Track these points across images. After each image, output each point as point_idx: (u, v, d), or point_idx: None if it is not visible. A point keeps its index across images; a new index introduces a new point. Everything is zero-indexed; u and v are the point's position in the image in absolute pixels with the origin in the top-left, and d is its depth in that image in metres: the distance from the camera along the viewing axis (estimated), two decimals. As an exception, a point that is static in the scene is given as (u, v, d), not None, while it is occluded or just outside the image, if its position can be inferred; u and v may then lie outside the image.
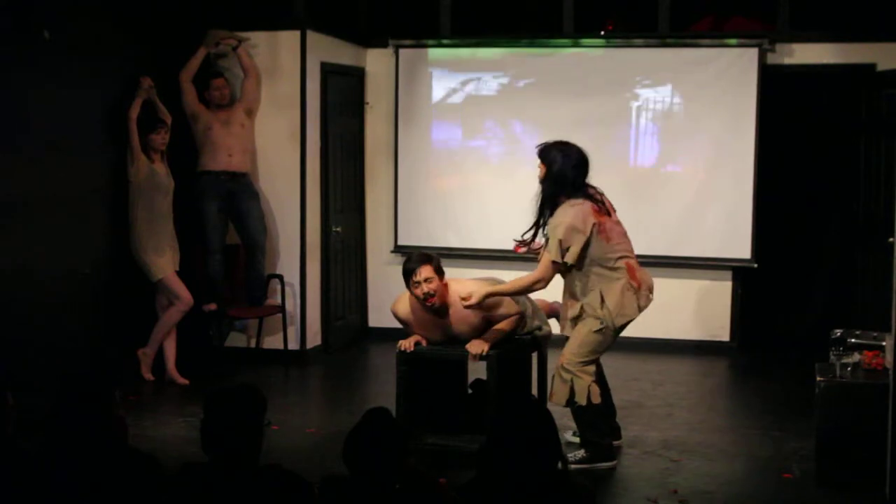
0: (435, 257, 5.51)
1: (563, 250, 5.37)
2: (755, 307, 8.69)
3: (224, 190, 7.59)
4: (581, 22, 8.59)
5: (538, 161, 5.55)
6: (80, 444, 3.17)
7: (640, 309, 5.53)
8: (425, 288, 5.38)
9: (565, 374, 5.47)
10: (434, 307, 5.44)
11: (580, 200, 5.43)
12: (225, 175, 7.58)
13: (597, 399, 5.48)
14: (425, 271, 5.37)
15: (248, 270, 7.80)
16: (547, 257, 5.41)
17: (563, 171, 5.43)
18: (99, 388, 3.27)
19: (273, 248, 7.99)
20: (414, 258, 5.47)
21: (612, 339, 5.54)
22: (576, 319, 5.53)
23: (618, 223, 5.56)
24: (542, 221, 5.54)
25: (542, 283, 5.45)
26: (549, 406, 5.79)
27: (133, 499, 3.15)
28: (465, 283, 5.64)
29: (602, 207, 5.49)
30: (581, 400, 5.44)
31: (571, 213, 5.39)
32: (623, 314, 5.46)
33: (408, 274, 5.43)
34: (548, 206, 5.50)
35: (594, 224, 5.40)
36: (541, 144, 5.58)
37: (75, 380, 3.28)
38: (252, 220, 7.72)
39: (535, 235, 5.65)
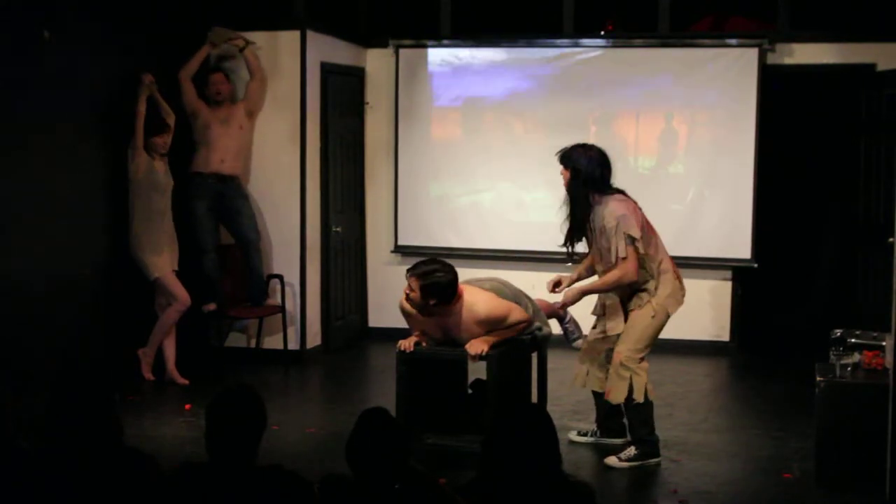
0: (431, 282, 5.30)
1: (641, 235, 5.39)
2: (755, 307, 8.69)
3: (212, 191, 7.60)
4: (581, 22, 8.60)
5: (560, 168, 5.53)
6: (80, 444, 3.16)
7: (683, 300, 5.61)
8: (407, 291, 5.41)
9: (624, 372, 5.48)
10: (413, 304, 5.46)
11: (622, 196, 5.47)
12: (213, 178, 7.59)
13: (652, 396, 5.54)
14: (412, 282, 5.36)
15: (246, 271, 7.80)
16: (629, 252, 5.36)
17: (591, 172, 5.44)
18: (98, 388, 3.27)
19: (273, 249, 7.99)
20: (418, 270, 5.35)
21: (663, 325, 5.56)
22: (624, 312, 5.56)
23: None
24: (576, 225, 5.51)
25: (630, 274, 5.40)
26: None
27: (133, 499, 3.15)
28: (478, 295, 5.54)
29: (639, 208, 5.55)
30: (639, 397, 5.47)
31: (623, 206, 5.41)
32: (675, 302, 5.52)
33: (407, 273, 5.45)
34: (580, 208, 5.48)
35: (642, 218, 5.46)
36: (560, 151, 5.56)
37: (74, 380, 3.28)
38: (243, 220, 7.72)
39: (572, 241, 5.59)
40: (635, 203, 5.54)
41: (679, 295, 5.58)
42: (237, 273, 7.85)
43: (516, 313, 5.57)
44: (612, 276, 5.47)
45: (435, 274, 5.34)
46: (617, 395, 5.53)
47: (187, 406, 6.53)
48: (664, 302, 5.50)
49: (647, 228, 5.51)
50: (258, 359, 7.94)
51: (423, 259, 5.52)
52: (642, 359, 5.52)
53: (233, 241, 7.83)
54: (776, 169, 8.57)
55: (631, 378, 5.47)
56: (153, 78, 7.09)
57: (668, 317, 5.55)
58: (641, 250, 5.42)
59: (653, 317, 5.49)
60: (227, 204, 7.67)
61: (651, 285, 5.51)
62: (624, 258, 5.39)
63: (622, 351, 5.51)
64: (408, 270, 5.41)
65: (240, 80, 7.84)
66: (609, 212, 5.40)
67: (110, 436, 3.24)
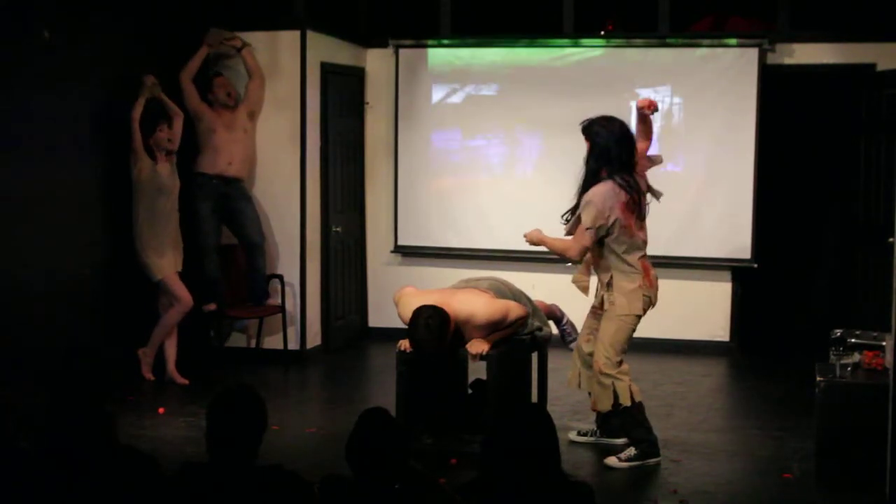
0: (429, 334, 5.30)
1: (595, 227, 5.35)
2: (755, 307, 8.69)
3: (216, 192, 7.58)
4: (581, 22, 8.60)
5: (583, 137, 5.51)
6: (80, 444, 3.16)
7: (649, 307, 5.53)
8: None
9: (605, 380, 5.47)
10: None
11: (619, 189, 5.37)
12: (218, 179, 7.57)
13: (639, 396, 5.52)
14: (425, 346, 5.37)
15: (249, 271, 7.80)
16: (582, 230, 5.39)
17: (606, 146, 5.41)
18: (97, 388, 3.27)
19: (273, 249, 7.99)
20: (416, 340, 5.37)
21: (634, 328, 5.52)
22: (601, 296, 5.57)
23: (643, 222, 5.52)
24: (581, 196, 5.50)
25: (572, 251, 5.45)
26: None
27: (133, 499, 3.15)
28: (475, 302, 5.53)
29: (633, 204, 5.41)
30: (625, 401, 5.45)
31: (602, 197, 5.33)
32: (629, 305, 5.45)
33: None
34: (590, 180, 5.45)
35: (617, 219, 5.36)
36: (585, 121, 5.55)
37: (74, 380, 3.28)
38: (247, 221, 7.71)
39: (576, 209, 5.56)
40: (630, 197, 5.38)
41: (638, 302, 5.46)
42: (237, 273, 7.85)
43: (514, 311, 5.57)
44: (560, 243, 5.54)
45: (428, 325, 5.28)
46: (603, 404, 5.52)
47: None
48: (618, 302, 5.45)
49: (625, 228, 5.40)
50: (258, 359, 7.94)
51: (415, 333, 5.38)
52: (620, 362, 5.49)
53: (233, 241, 7.83)
54: (776, 169, 8.57)
55: (613, 384, 5.45)
56: (155, 79, 7.08)
57: (633, 317, 5.48)
58: (588, 241, 5.39)
59: (618, 315, 5.46)
60: (231, 206, 7.67)
61: (604, 279, 5.49)
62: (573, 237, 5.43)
63: (599, 359, 5.49)
64: (412, 344, 5.41)
65: (239, 83, 7.84)
66: (589, 193, 5.38)
67: (110, 436, 3.24)
